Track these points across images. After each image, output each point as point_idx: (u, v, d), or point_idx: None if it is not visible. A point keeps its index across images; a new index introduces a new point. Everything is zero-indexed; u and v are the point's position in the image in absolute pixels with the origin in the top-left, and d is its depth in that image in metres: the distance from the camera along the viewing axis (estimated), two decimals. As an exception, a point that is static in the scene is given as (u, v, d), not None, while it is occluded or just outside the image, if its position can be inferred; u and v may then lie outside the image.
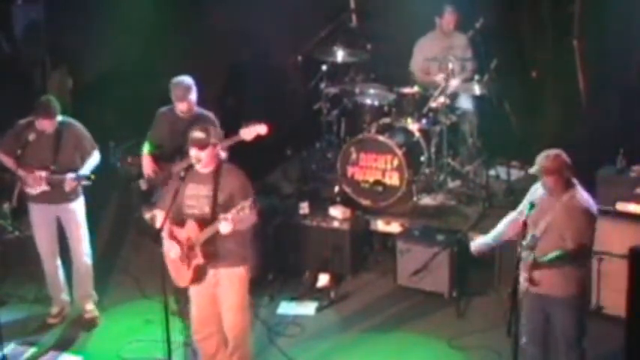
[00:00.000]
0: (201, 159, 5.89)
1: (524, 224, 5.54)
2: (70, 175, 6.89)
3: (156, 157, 7.17)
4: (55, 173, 6.91)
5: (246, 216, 5.74)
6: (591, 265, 7.01)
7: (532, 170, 5.74)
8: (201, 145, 5.87)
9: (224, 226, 5.74)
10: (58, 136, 6.96)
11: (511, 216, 6.06)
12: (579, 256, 5.61)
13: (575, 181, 5.70)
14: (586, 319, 5.90)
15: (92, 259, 7.33)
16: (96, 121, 7.62)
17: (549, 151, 5.67)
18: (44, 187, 6.95)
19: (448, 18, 8.81)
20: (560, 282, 5.65)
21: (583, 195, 5.68)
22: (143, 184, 7.26)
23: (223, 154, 6.75)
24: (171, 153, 7.09)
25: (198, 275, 6.01)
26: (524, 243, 5.58)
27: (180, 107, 7.00)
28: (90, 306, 7.36)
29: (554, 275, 5.62)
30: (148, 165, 7.18)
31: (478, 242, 6.11)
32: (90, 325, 7.31)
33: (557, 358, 5.92)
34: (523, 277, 5.61)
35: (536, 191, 5.86)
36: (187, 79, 7.02)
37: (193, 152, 5.90)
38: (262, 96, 9.94)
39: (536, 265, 5.53)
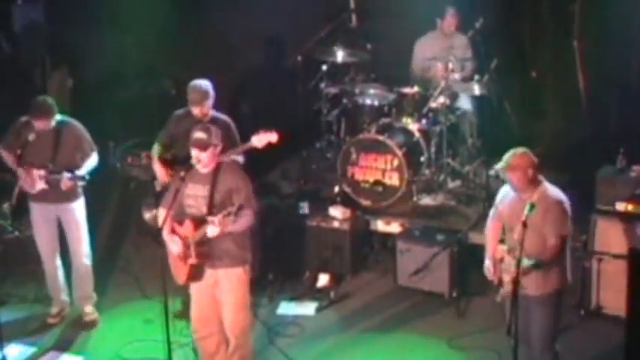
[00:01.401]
0: (201, 159, 5.89)
1: (524, 224, 5.56)
2: (66, 175, 6.88)
3: (169, 161, 7.12)
4: (54, 172, 6.91)
5: (233, 219, 5.70)
6: (591, 264, 7.05)
7: (497, 166, 5.84)
8: (203, 146, 5.87)
9: (211, 230, 5.76)
10: (58, 136, 6.95)
11: (489, 226, 6.10)
12: (561, 249, 5.69)
13: (541, 177, 5.77)
14: (558, 323, 5.94)
15: (92, 259, 7.32)
16: (96, 121, 7.60)
17: (517, 149, 5.77)
18: (43, 186, 6.94)
19: (449, 20, 8.82)
20: (538, 281, 5.73)
21: (552, 189, 5.77)
22: (157, 185, 7.22)
23: (240, 159, 6.77)
24: (185, 156, 7.03)
25: (193, 274, 6.00)
26: (505, 247, 5.74)
27: (195, 112, 6.89)
28: (89, 308, 7.35)
29: (533, 275, 5.70)
30: (160, 171, 7.09)
31: (486, 268, 6.05)
32: (89, 327, 7.31)
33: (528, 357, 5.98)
34: (507, 280, 5.70)
35: (506, 195, 5.93)
36: (204, 84, 6.90)
37: (195, 153, 5.90)
38: (262, 95, 9.94)
39: (523, 270, 5.58)
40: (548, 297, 5.81)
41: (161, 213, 6.09)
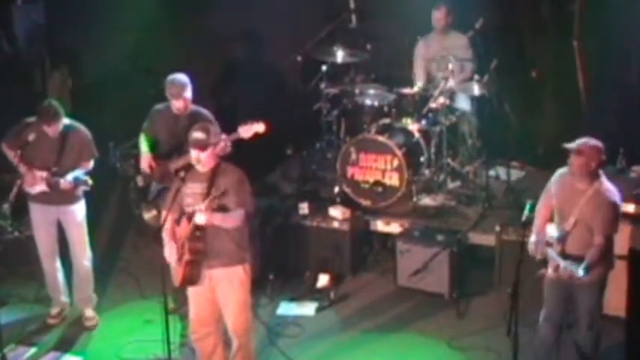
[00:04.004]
0: (201, 160, 5.90)
1: (524, 225, 5.59)
2: (68, 179, 6.89)
3: (153, 155, 7.17)
4: (56, 175, 6.91)
5: (217, 202, 5.74)
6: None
7: (568, 145, 5.92)
8: (202, 146, 5.88)
9: (198, 218, 5.79)
10: (63, 139, 6.95)
11: (539, 206, 6.14)
12: (607, 246, 5.84)
13: (601, 173, 5.90)
14: (602, 302, 6.15)
15: (92, 260, 7.33)
16: (96, 121, 7.61)
17: (592, 139, 5.90)
18: (43, 188, 6.94)
19: (437, 14, 8.76)
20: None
21: (608, 187, 5.88)
22: (140, 181, 7.28)
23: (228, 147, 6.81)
24: (168, 150, 7.10)
25: (189, 273, 5.97)
26: (555, 236, 5.90)
27: (177, 105, 6.99)
28: (90, 312, 7.36)
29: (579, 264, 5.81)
30: (146, 161, 7.17)
31: (531, 243, 6.12)
32: (89, 331, 7.31)
33: (574, 338, 6.17)
34: (551, 267, 5.84)
35: (561, 179, 6.02)
36: (182, 77, 7.00)
37: (194, 153, 5.91)
38: (262, 96, 9.93)
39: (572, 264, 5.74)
40: (594, 284, 5.94)
41: (163, 214, 6.09)
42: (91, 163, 7.14)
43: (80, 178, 6.95)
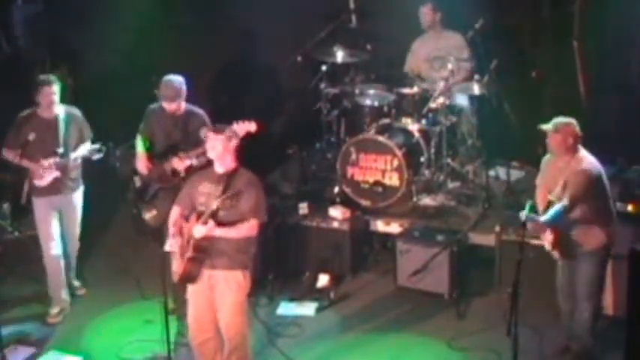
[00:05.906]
0: (215, 147, 5.95)
1: (524, 225, 5.64)
2: (77, 155, 7.09)
3: (149, 155, 7.18)
4: (63, 156, 7.06)
5: (231, 204, 5.79)
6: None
7: (544, 126, 6.22)
8: (217, 130, 5.98)
9: (196, 230, 5.83)
10: (64, 124, 7.11)
11: (537, 193, 6.47)
12: (599, 215, 6.09)
13: (580, 148, 6.17)
14: (603, 277, 6.41)
15: (91, 258, 7.49)
16: (95, 121, 7.62)
17: (566, 118, 6.21)
18: (55, 174, 7.02)
19: (423, 10, 8.73)
20: (580, 237, 6.18)
21: (586, 159, 6.14)
22: (137, 181, 7.29)
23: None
24: (163, 150, 7.11)
25: (189, 270, 5.96)
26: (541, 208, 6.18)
27: (168, 108, 7.01)
28: (77, 282, 7.71)
29: (575, 231, 6.15)
30: (141, 162, 7.19)
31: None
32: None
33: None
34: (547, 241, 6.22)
35: (547, 162, 6.36)
36: (178, 80, 7.00)
37: (210, 141, 6.00)
38: (262, 96, 9.94)
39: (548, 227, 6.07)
40: (589, 254, 6.17)
41: (173, 211, 6.13)
42: (89, 143, 7.30)
43: (91, 149, 7.14)
